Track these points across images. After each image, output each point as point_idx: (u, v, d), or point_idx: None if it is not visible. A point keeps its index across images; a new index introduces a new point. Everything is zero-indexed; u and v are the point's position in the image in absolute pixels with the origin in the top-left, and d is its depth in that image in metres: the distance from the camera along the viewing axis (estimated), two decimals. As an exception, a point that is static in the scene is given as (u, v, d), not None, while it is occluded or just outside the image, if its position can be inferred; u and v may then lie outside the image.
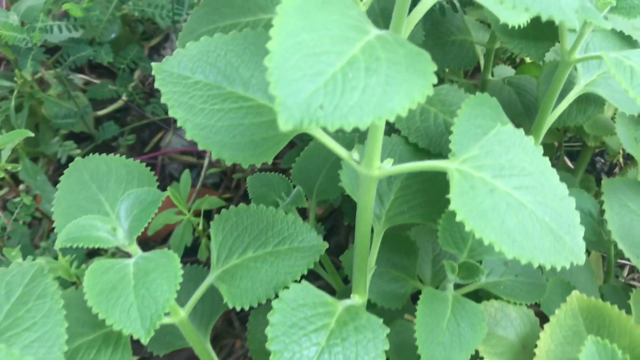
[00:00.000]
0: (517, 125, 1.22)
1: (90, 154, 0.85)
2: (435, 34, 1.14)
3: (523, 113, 1.17)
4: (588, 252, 1.15)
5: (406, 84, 0.53)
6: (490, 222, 0.62)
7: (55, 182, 1.58)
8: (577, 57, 0.82)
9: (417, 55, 0.56)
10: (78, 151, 1.56)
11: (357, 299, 0.79)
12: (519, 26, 0.81)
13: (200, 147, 0.66)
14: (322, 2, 0.55)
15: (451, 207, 0.62)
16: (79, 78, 1.79)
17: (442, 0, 1.15)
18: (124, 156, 0.83)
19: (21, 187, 1.60)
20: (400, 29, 0.61)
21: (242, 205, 0.82)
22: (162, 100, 0.68)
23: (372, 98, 0.51)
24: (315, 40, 0.53)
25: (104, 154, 0.84)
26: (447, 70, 1.29)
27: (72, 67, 1.48)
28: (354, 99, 0.51)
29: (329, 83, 0.51)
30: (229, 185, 1.55)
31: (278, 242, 0.80)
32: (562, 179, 1.16)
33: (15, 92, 1.59)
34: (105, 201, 0.80)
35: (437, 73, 1.08)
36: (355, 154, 0.71)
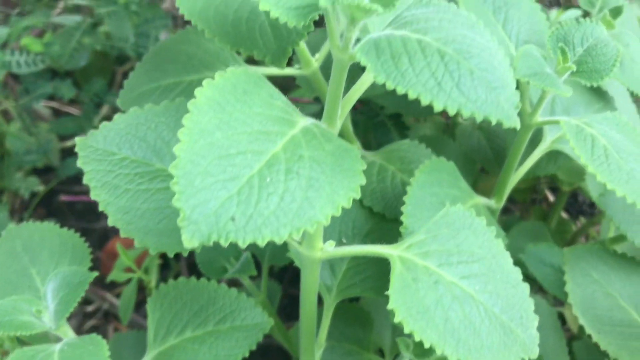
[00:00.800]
0: (486, 172, 1.18)
1: (31, 222, 0.80)
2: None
3: (492, 159, 1.13)
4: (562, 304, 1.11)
5: (330, 186, 0.48)
6: (433, 321, 0.57)
7: (20, 218, 1.53)
8: (538, 121, 0.77)
9: (345, 152, 0.51)
10: (41, 188, 1.51)
11: (305, 378, 0.75)
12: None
13: (122, 235, 0.61)
14: (243, 93, 0.50)
15: (390, 305, 0.57)
16: (43, 107, 1.73)
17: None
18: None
19: (-19, 225, 1.55)
20: (334, 116, 0.56)
21: (181, 278, 0.77)
22: (84, 180, 0.64)
23: (290, 206, 0.47)
24: (231, 139, 0.48)
25: (38, 222, 0.79)
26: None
27: (32, 103, 1.43)
28: (271, 207, 0.46)
29: (244, 190, 0.46)
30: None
31: (219, 320, 0.75)
32: (534, 230, 1.13)
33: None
34: (36, 276, 0.75)
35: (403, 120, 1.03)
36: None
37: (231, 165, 0.47)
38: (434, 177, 0.77)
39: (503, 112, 0.48)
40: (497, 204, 0.86)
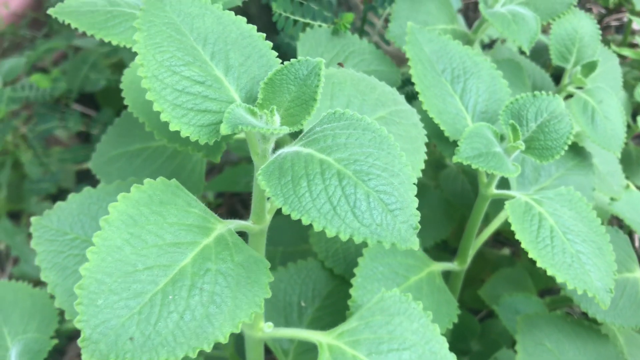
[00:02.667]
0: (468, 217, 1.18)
1: (5, 282, 0.84)
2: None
3: (476, 205, 1.12)
4: None
5: (233, 301, 0.50)
6: (353, 414, 0.59)
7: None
8: (493, 193, 0.77)
9: (254, 264, 0.53)
10: (87, 187, 1.57)
11: None
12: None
13: (66, 317, 0.65)
14: (159, 204, 0.53)
15: (310, 398, 0.59)
16: (61, 129, 1.79)
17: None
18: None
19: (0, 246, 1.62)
20: (262, 214, 0.58)
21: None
22: (36, 262, 0.67)
23: (190, 324, 0.49)
24: (141, 254, 0.50)
25: (12, 282, 0.83)
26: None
27: (42, 136, 1.48)
28: (169, 327, 0.48)
29: (145, 308, 0.49)
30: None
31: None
32: (514, 277, 1.12)
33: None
34: (7, 335, 0.80)
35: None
36: (237, 314, 0.68)
37: (136, 281, 0.49)
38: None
39: (399, 235, 0.49)
40: (460, 266, 0.86)
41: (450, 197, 1.11)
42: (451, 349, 1.18)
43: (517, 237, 0.69)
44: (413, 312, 0.66)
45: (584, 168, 0.94)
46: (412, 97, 0.95)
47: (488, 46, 1.25)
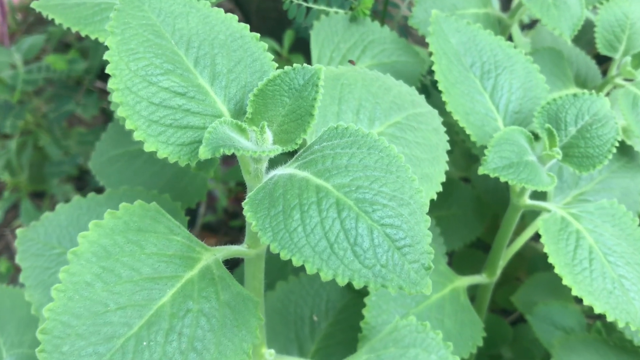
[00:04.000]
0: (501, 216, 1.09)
1: (4, 287, 0.80)
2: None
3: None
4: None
5: (216, 347, 0.44)
6: None
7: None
8: (526, 204, 0.69)
9: (242, 303, 0.46)
10: (76, 196, 1.54)
11: None
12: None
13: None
14: (136, 232, 0.47)
15: None
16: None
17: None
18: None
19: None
20: (259, 240, 0.51)
21: None
22: (21, 279, 0.62)
23: (166, 375, 0.43)
24: (113, 291, 0.44)
25: (10, 287, 0.79)
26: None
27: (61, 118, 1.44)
28: (143, 377, 0.43)
29: (116, 356, 0.43)
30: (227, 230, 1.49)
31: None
32: (550, 283, 1.04)
33: (19, 131, 1.59)
34: (2, 345, 0.76)
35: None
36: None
37: (107, 324, 0.43)
38: (407, 261, 0.71)
39: (408, 277, 0.42)
40: (489, 278, 0.79)
41: (482, 194, 1.03)
42: (481, 355, 1.12)
43: (550, 260, 0.61)
44: (431, 344, 0.59)
45: (631, 170, 0.84)
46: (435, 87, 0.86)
47: (528, 26, 1.15)
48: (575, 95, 0.67)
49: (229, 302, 0.46)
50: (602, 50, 0.84)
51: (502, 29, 0.91)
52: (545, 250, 0.61)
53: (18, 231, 0.64)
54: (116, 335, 0.43)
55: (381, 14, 0.86)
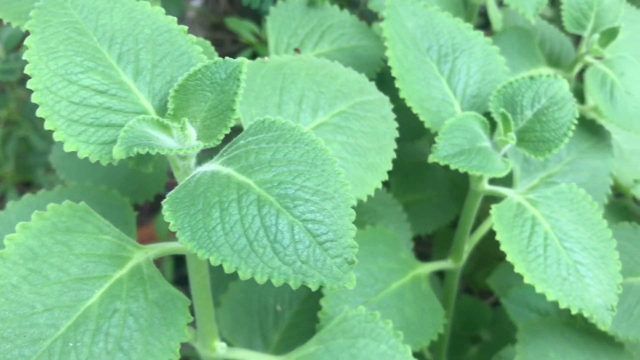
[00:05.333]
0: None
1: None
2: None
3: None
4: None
5: (144, 347, 0.44)
6: None
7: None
8: (485, 189, 0.68)
9: (171, 301, 0.46)
10: (27, 194, 1.55)
11: None
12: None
13: None
14: (65, 232, 0.46)
15: None
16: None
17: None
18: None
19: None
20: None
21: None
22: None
23: (91, 376, 0.43)
24: (40, 293, 0.44)
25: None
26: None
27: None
28: (68, 379, 0.42)
29: (43, 357, 0.43)
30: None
31: None
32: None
33: (3, 122, 1.59)
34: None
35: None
36: (190, 332, 0.62)
37: (34, 325, 0.43)
38: (367, 250, 0.70)
39: (330, 273, 0.41)
40: (454, 264, 0.78)
41: (457, 177, 1.02)
42: (460, 337, 1.11)
43: (502, 248, 0.60)
44: (380, 333, 0.59)
45: (601, 150, 0.83)
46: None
47: (500, 4, 1.13)
48: (532, 77, 0.65)
49: (158, 301, 0.46)
50: (569, 27, 0.82)
51: (469, 9, 0.89)
52: (498, 238, 0.60)
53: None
54: (43, 337, 0.43)
55: (343, -3, 0.85)
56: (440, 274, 0.95)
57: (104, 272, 0.46)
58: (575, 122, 0.63)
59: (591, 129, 0.84)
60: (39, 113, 0.44)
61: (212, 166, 0.44)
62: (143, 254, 0.48)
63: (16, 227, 0.45)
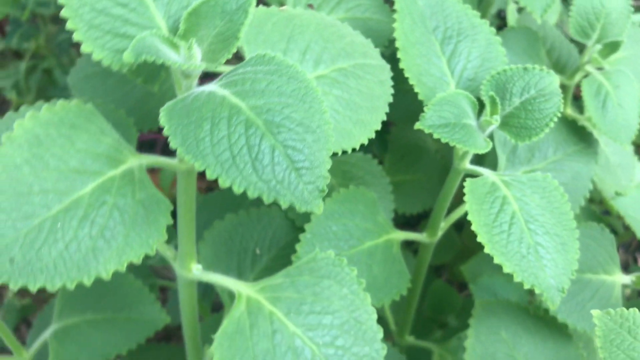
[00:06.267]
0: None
1: None
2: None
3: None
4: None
5: (124, 239, 0.49)
6: (255, 371, 0.57)
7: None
8: (466, 167, 0.72)
9: (155, 204, 0.50)
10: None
11: (188, 381, 0.77)
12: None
13: None
14: (69, 127, 0.51)
15: (213, 346, 0.57)
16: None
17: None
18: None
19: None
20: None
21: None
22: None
23: (73, 256, 0.47)
24: (39, 176, 0.49)
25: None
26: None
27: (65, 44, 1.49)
28: (52, 255, 0.47)
29: (32, 232, 0.47)
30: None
31: (118, 308, 0.78)
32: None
33: (30, 54, 1.63)
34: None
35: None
36: (170, 251, 0.67)
37: (29, 203, 0.48)
38: (347, 207, 0.75)
39: (301, 196, 0.45)
40: (429, 238, 0.82)
41: (448, 163, 1.06)
42: (429, 320, 1.15)
43: (469, 217, 0.64)
44: (345, 278, 0.63)
45: (586, 155, 0.87)
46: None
47: (518, 11, 1.16)
48: (525, 68, 0.69)
49: (144, 201, 0.50)
50: (575, 35, 0.86)
51: (484, 4, 0.93)
52: (467, 208, 0.64)
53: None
54: (35, 214, 0.48)
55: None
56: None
57: (100, 169, 0.50)
58: (559, 114, 0.67)
59: (581, 136, 0.88)
60: (62, 13, 0.48)
61: (210, 87, 0.48)
62: (137, 160, 0.52)
63: (26, 114, 0.50)
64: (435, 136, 0.64)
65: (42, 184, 0.48)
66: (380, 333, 0.62)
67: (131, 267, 0.86)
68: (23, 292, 1.26)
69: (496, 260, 0.63)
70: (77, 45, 1.59)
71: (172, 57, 0.47)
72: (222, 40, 0.48)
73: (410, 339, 0.96)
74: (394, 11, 0.80)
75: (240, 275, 0.81)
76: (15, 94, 1.63)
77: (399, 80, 0.74)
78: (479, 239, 0.63)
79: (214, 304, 1.05)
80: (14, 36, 1.42)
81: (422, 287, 0.97)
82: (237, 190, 0.45)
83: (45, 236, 0.47)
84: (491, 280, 0.97)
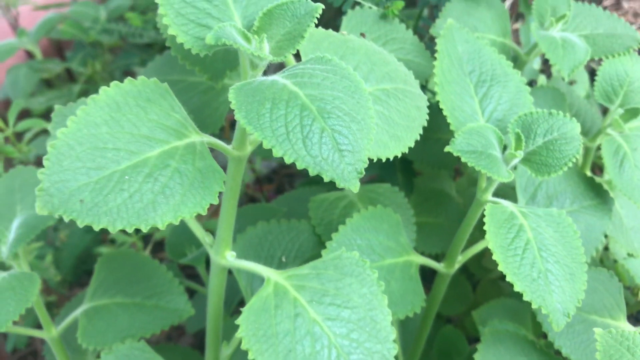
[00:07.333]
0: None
1: (32, 167, 0.93)
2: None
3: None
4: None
5: (181, 197, 0.55)
6: (275, 347, 0.61)
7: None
8: (488, 199, 0.78)
9: (212, 172, 0.57)
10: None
11: (203, 373, 0.81)
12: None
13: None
14: (145, 100, 0.58)
15: (239, 320, 0.62)
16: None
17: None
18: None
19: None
20: (244, 141, 0.62)
21: (131, 250, 0.86)
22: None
23: (135, 205, 0.54)
24: (114, 136, 0.56)
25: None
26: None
27: (120, 69, 1.60)
28: (117, 201, 0.53)
29: (102, 180, 0.54)
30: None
31: (148, 295, 0.83)
32: (512, 309, 1.10)
33: (84, 78, 1.74)
34: (19, 212, 0.88)
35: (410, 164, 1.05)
36: (209, 237, 0.72)
37: (102, 157, 0.55)
38: (372, 223, 0.80)
39: (342, 174, 0.51)
40: (446, 269, 0.87)
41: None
42: (434, 361, 1.17)
43: (487, 237, 0.69)
44: (366, 278, 0.68)
45: (601, 211, 0.92)
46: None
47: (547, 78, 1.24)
48: (550, 113, 0.76)
49: (202, 169, 0.57)
50: (599, 98, 0.93)
51: (518, 65, 1.01)
52: (486, 228, 0.70)
53: (56, 107, 0.77)
54: (106, 166, 0.54)
55: (414, 23, 0.97)
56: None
57: (166, 139, 0.57)
58: (578, 156, 0.73)
59: (598, 192, 0.94)
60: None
61: (273, 77, 0.56)
62: (199, 137, 0.59)
63: (111, 83, 0.57)
64: (463, 159, 0.70)
65: (115, 143, 0.55)
66: (393, 334, 0.67)
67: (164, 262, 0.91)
68: (48, 289, 1.31)
69: (508, 279, 0.67)
70: (129, 73, 1.70)
71: (242, 43, 0.55)
72: (289, 39, 0.56)
73: (416, 375, 0.99)
74: (433, 58, 0.88)
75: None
76: (66, 114, 1.72)
77: (430, 129, 0.81)
78: (494, 257, 0.68)
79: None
80: (77, 57, 1.53)
81: (431, 332, 1.01)
82: (288, 160, 0.51)
83: (113, 185, 0.54)
84: (500, 324, 1.00)
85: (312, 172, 0.51)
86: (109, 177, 0.54)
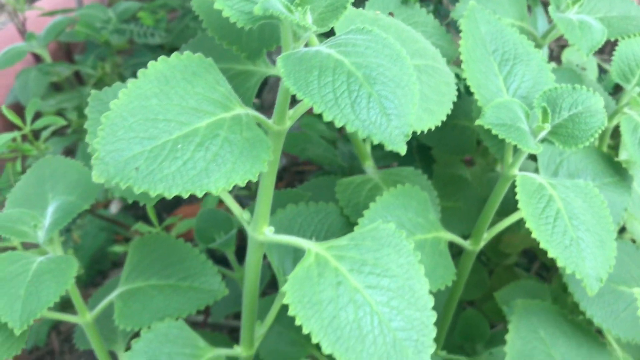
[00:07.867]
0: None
1: (61, 157, 0.94)
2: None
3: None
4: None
5: (232, 165, 0.56)
6: (320, 314, 0.63)
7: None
8: (515, 174, 0.80)
9: (259, 142, 0.59)
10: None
11: (240, 351, 0.82)
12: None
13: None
14: (192, 74, 0.60)
15: (285, 287, 0.63)
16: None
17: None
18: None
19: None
20: (283, 114, 0.64)
21: (163, 233, 0.87)
22: (85, 125, 0.76)
23: (189, 172, 0.55)
24: (164, 108, 0.57)
25: (68, 158, 0.93)
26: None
27: (131, 69, 1.62)
28: (172, 168, 0.55)
29: (156, 149, 0.55)
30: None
31: (182, 277, 0.84)
32: (532, 290, 1.12)
33: (95, 79, 1.75)
34: (50, 200, 0.89)
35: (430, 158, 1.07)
36: (246, 214, 0.74)
37: (154, 127, 0.56)
38: (401, 201, 0.82)
39: (390, 136, 0.53)
40: (472, 246, 0.89)
41: (487, 196, 1.13)
42: (457, 347, 1.19)
43: (519, 206, 0.71)
44: (403, 248, 0.69)
45: (621, 187, 0.94)
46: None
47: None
48: (574, 87, 0.78)
49: (250, 138, 0.58)
50: (616, 78, 0.95)
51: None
52: (518, 197, 0.72)
53: (92, 91, 0.78)
54: (159, 136, 0.56)
55: (435, 5, 1.00)
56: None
57: (213, 111, 0.59)
58: (603, 128, 0.75)
59: (617, 169, 0.96)
60: (203, -24, 0.58)
61: (316, 47, 0.58)
62: (243, 110, 0.61)
63: (159, 58, 0.59)
64: (494, 132, 0.72)
65: (165, 114, 0.57)
66: (431, 302, 0.68)
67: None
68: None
69: (542, 245, 0.69)
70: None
71: (287, 14, 0.57)
72: (332, 10, 0.58)
73: (442, 354, 1.01)
74: (454, 42, 0.90)
75: (295, 250, 0.87)
76: (77, 115, 1.74)
77: (448, 115, 0.83)
78: (527, 225, 0.70)
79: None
80: (89, 59, 1.55)
81: (452, 316, 1.03)
82: (338, 124, 0.53)
83: (166, 153, 0.55)
84: (524, 301, 1.02)
85: (361, 135, 0.53)
86: (162, 146, 0.56)
